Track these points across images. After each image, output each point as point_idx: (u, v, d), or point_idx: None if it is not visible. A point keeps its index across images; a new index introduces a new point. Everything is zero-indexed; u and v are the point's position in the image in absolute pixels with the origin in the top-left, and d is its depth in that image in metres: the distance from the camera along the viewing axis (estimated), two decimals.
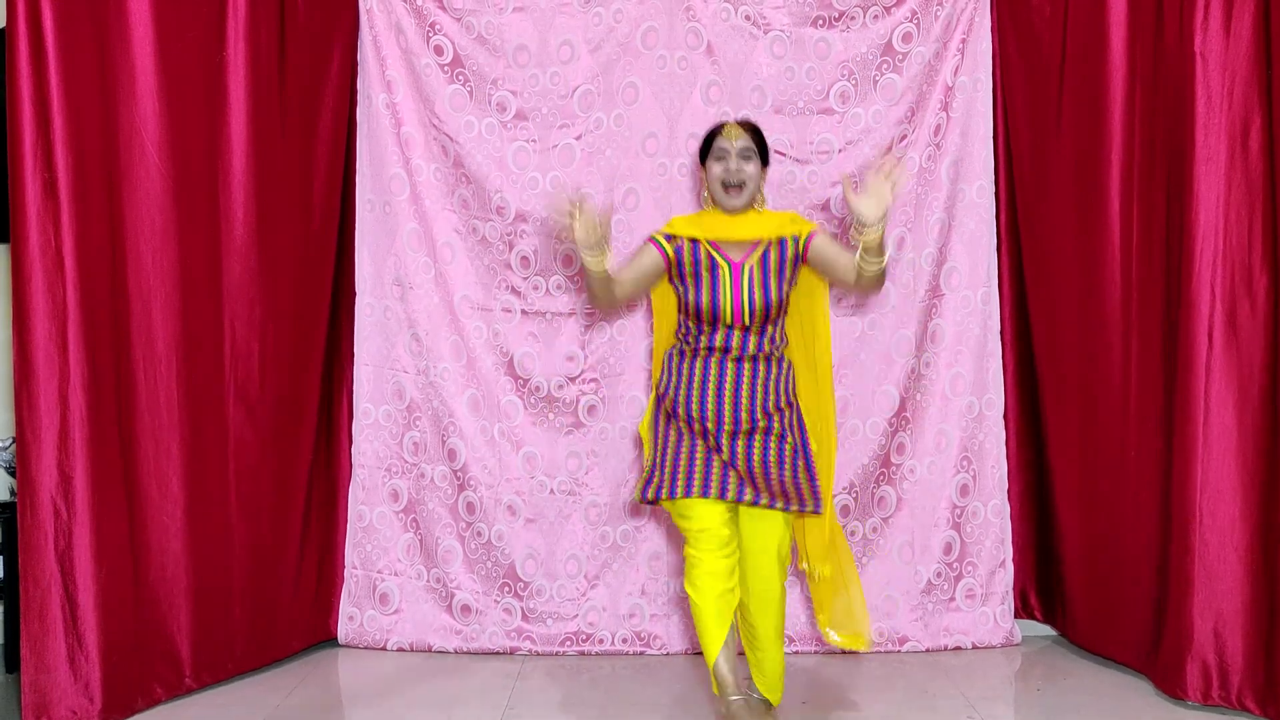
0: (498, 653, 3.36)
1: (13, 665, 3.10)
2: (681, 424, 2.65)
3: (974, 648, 3.36)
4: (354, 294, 3.46)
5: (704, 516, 2.59)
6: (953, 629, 3.37)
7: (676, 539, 3.36)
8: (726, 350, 2.65)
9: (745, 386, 2.64)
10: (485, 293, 3.41)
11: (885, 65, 3.38)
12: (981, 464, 3.39)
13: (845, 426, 3.38)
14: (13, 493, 3.22)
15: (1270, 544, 2.69)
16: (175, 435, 2.89)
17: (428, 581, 3.43)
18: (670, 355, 2.73)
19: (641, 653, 3.36)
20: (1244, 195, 2.72)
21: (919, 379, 3.40)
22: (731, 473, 2.60)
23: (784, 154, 3.37)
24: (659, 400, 2.71)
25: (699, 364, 2.66)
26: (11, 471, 3.24)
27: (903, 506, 3.40)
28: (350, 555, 3.45)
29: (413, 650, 3.39)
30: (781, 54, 3.37)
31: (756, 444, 2.61)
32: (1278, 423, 2.68)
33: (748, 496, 2.59)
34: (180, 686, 2.94)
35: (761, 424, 2.62)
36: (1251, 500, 2.73)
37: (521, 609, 3.38)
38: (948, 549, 3.38)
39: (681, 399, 2.65)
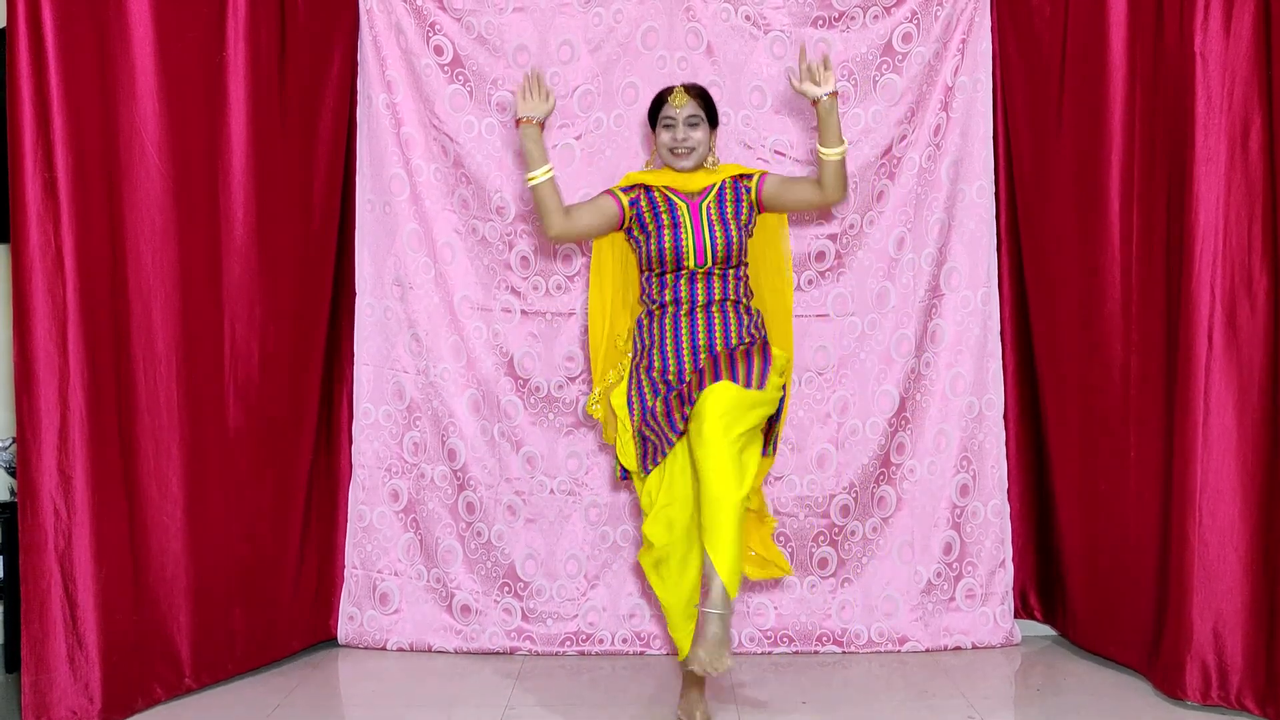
0: (498, 653, 3.36)
1: (12, 665, 3.10)
2: (651, 384, 2.75)
3: (974, 648, 3.36)
4: (354, 294, 3.46)
5: (669, 499, 2.70)
6: (953, 629, 3.37)
7: None
8: (692, 300, 2.76)
9: (715, 331, 2.76)
10: (485, 293, 3.41)
11: (885, 65, 3.38)
12: (981, 464, 3.39)
13: (845, 426, 3.39)
14: (13, 493, 3.22)
15: (1270, 544, 2.69)
16: (175, 435, 2.89)
17: (428, 581, 3.43)
18: (639, 321, 2.85)
19: (642, 653, 3.36)
20: (1244, 196, 2.72)
21: (919, 379, 3.40)
22: (684, 403, 2.67)
23: (784, 154, 3.37)
24: (633, 370, 2.82)
25: (668, 320, 2.78)
26: (11, 471, 3.24)
27: (902, 506, 3.40)
28: (350, 555, 3.45)
29: (413, 650, 3.39)
30: (781, 54, 3.37)
31: (723, 364, 2.69)
32: (1277, 423, 2.68)
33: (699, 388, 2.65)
34: (180, 686, 2.94)
35: (723, 354, 2.73)
36: (1251, 501, 2.73)
37: (521, 609, 3.38)
38: (948, 549, 3.38)
39: (655, 356, 2.78)
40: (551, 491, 3.39)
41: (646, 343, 2.82)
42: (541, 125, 2.85)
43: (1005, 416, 3.43)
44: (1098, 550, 3.20)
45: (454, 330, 3.41)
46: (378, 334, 3.44)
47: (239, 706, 2.91)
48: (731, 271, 2.79)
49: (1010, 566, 3.41)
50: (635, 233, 2.83)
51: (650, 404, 2.75)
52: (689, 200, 2.80)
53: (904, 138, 3.38)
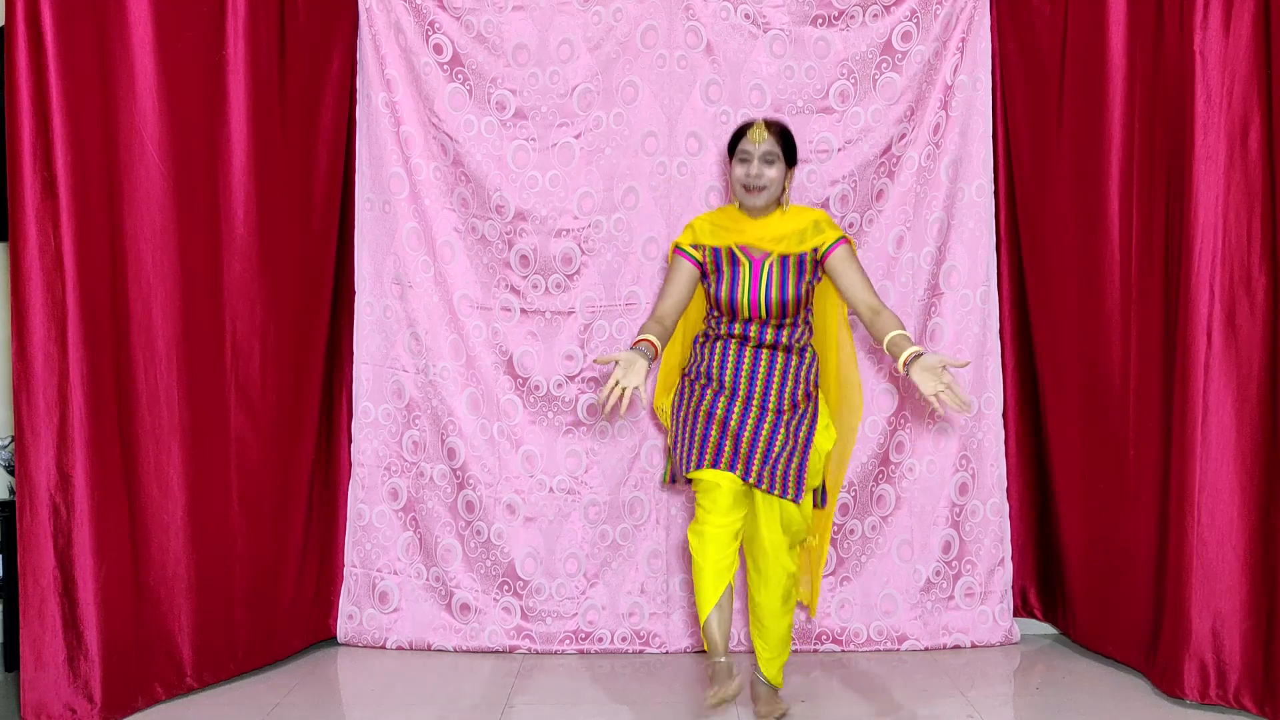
0: (497, 651, 3.36)
1: (12, 664, 3.10)
2: (702, 394, 2.73)
3: (973, 646, 3.37)
4: (354, 293, 3.46)
5: (716, 479, 2.65)
6: (952, 627, 3.38)
7: (676, 537, 3.37)
8: (746, 338, 2.74)
9: (764, 370, 2.73)
10: (484, 291, 3.41)
11: (885, 64, 3.38)
12: (981, 463, 3.39)
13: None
14: (12, 491, 3.22)
15: (1268, 543, 2.69)
16: (175, 434, 2.89)
17: (427, 580, 3.43)
18: (697, 338, 2.85)
19: (641, 651, 3.36)
20: (1243, 195, 2.72)
21: None
22: (740, 449, 2.66)
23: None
24: (684, 376, 2.83)
25: (720, 345, 2.76)
26: (11, 470, 3.24)
27: (902, 505, 3.40)
28: (350, 554, 3.45)
29: (412, 649, 3.39)
30: (781, 53, 3.37)
31: (767, 424, 2.68)
32: (1276, 422, 2.68)
33: (743, 473, 2.65)
34: (181, 686, 2.94)
35: (772, 408, 2.69)
36: (1250, 500, 2.74)
37: (521, 608, 3.38)
38: (947, 547, 3.39)
39: (704, 369, 2.76)
40: (551, 490, 3.39)
41: (700, 358, 2.79)
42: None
43: (1004, 415, 3.44)
44: (1097, 549, 3.21)
45: (453, 329, 3.41)
46: (377, 333, 3.44)
47: (239, 705, 2.91)
48: (788, 321, 2.74)
49: (1009, 565, 3.41)
50: (705, 278, 2.80)
51: (696, 407, 2.72)
52: (754, 259, 2.73)
53: (903, 136, 3.38)
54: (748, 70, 3.37)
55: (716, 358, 2.75)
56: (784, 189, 2.76)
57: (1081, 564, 3.26)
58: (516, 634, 3.37)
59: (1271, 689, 2.68)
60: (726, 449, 2.66)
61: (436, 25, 3.39)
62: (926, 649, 3.36)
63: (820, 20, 3.38)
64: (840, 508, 3.38)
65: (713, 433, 2.68)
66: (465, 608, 3.39)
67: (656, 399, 2.98)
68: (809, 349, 2.79)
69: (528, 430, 3.40)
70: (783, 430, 2.68)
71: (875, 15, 3.37)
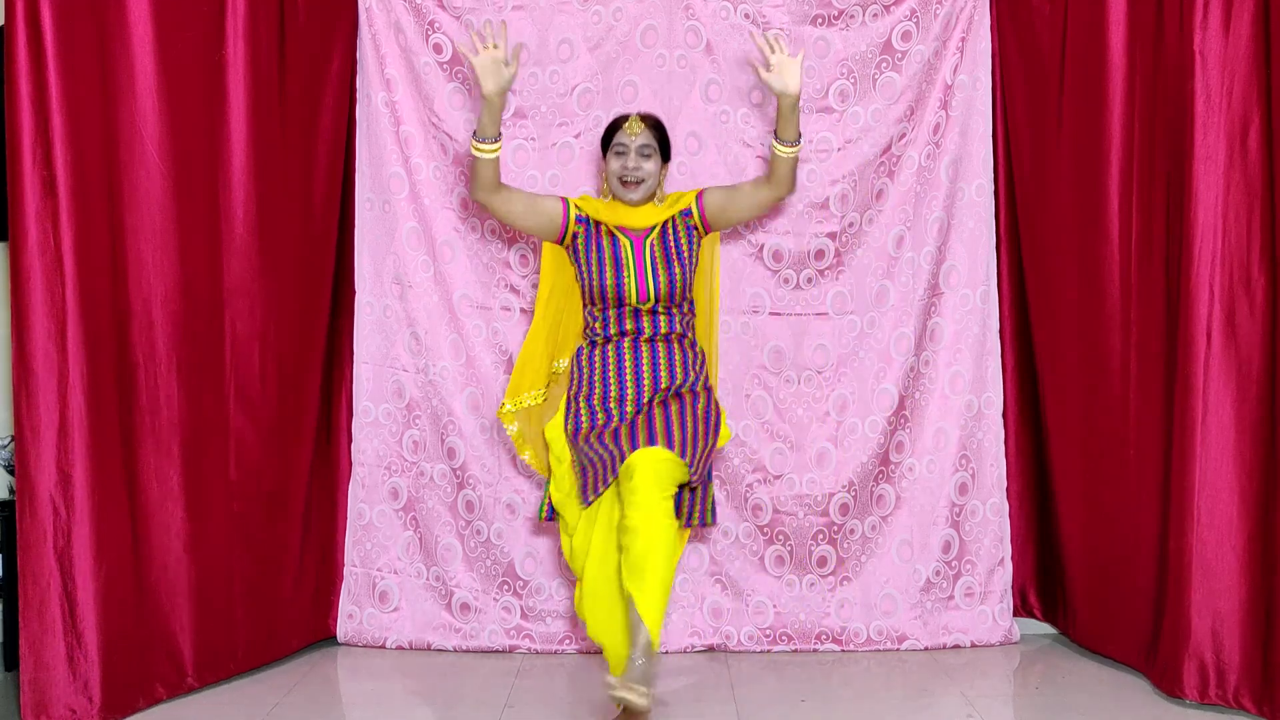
0: (497, 651, 3.36)
1: (12, 664, 3.10)
2: (590, 412, 2.71)
3: (973, 646, 3.37)
4: (353, 292, 3.46)
5: (583, 533, 2.71)
6: (951, 627, 3.38)
7: None
8: (637, 332, 2.72)
9: (660, 366, 2.72)
10: (484, 291, 3.41)
11: (884, 64, 3.38)
12: (980, 462, 3.40)
13: (844, 425, 3.39)
14: (12, 491, 3.22)
15: (1268, 543, 2.69)
16: (175, 434, 2.88)
17: (427, 580, 3.43)
18: (579, 352, 2.83)
19: None
20: (1243, 195, 2.72)
21: (918, 377, 3.40)
22: (623, 441, 2.62)
23: None
24: (570, 400, 2.78)
25: (610, 349, 2.74)
26: (11, 470, 3.24)
27: (901, 505, 3.40)
28: (350, 553, 3.45)
29: (412, 649, 3.39)
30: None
31: (658, 408, 2.67)
32: (1276, 422, 2.68)
33: (627, 450, 2.61)
34: (182, 685, 2.94)
35: (669, 397, 2.70)
36: (1249, 499, 2.74)
37: (521, 607, 3.38)
38: (946, 547, 3.39)
39: (597, 383, 2.74)
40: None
41: (586, 371, 2.78)
42: (503, 97, 2.72)
43: (1004, 415, 3.44)
44: (1097, 549, 3.21)
45: (453, 328, 3.41)
46: (377, 332, 3.44)
47: (239, 705, 2.91)
48: (676, 308, 2.76)
49: (1009, 565, 3.41)
50: (576, 259, 2.81)
51: (590, 430, 2.70)
52: (633, 237, 2.77)
53: (903, 136, 3.38)
54: (747, 70, 3.36)
55: (610, 364, 2.71)
56: (660, 183, 2.82)
57: (1081, 564, 3.27)
58: (516, 634, 3.38)
59: (1271, 689, 2.68)
60: (609, 462, 2.61)
61: (436, 25, 3.39)
62: (926, 649, 3.36)
63: (820, 20, 3.38)
64: (840, 508, 3.38)
65: (614, 453, 2.62)
66: (465, 607, 3.39)
67: (546, 431, 2.83)
68: (698, 344, 2.82)
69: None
70: (677, 409, 2.66)
71: (875, 15, 3.37)
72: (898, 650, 3.36)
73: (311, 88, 3.27)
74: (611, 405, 2.73)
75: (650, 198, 2.82)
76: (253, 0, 3.04)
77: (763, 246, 3.38)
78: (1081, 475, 3.24)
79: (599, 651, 3.33)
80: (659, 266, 2.71)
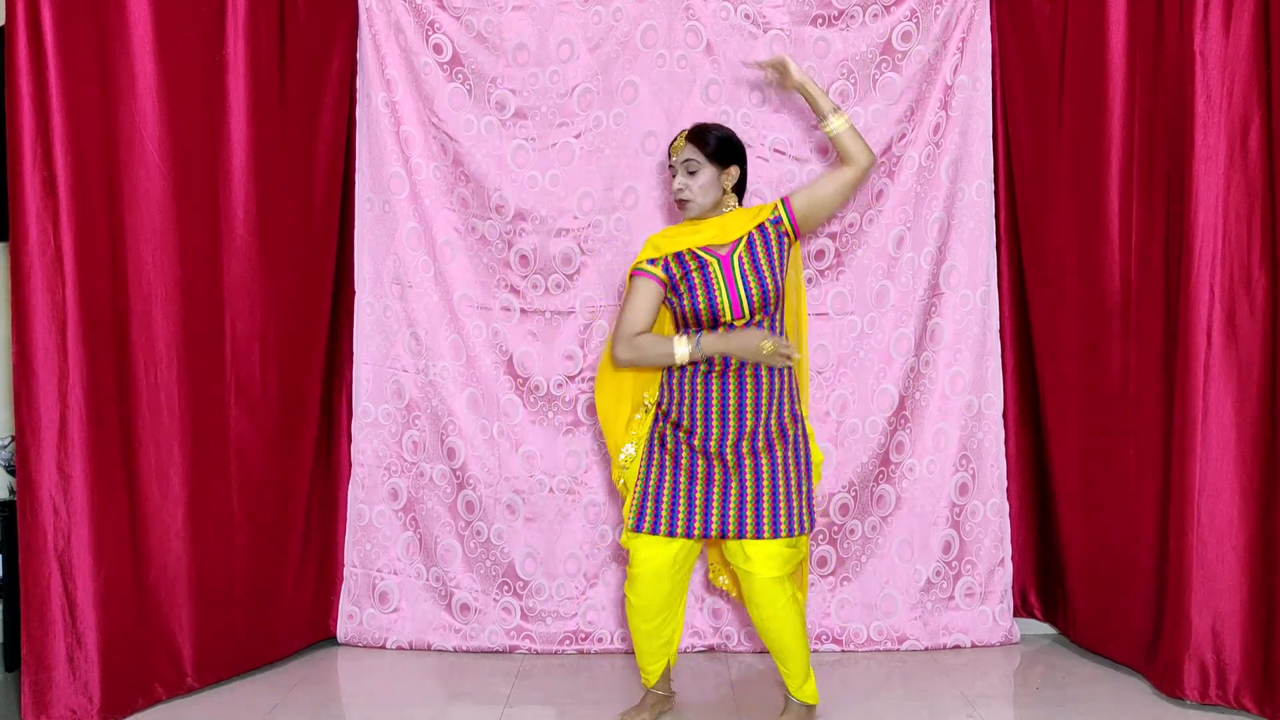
0: (497, 651, 3.36)
1: (12, 664, 3.10)
2: (675, 442, 2.65)
3: (973, 646, 3.37)
4: (354, 292, 3.46)
5: (657, 550, 2.63)
6: (952, 628, 3.38)
7: None
8: (725, 363, 2.63)
9: (746, 401, 2.64)
10: (484, 291, 3.41)
11: (885, 64, 3.38)
12: (981, 463, 3.40)
13: (844, 425, 3.39)
14: (12, 491, 3.22)
15: (1268, 543, 2.69)
16: (176, 434, 2.89)
17: (427, 580, 3.43)
18: (670, 373, 2.70)
19: None
20: (1243, 195, 2.73)
21: (918, 377, 3.40)
22: (716, 504, 2.61)
23: (784, 152, 3.37)
24: (657, 419, 2.71)
25: (700, 380, 2.65)
26: (11, 470, 3.24)
27: (902, 505, 3.40)
28: (350, 554, 3.45)
29: (412, 649, 3.39)
30: (781, 53, 3.36)
31: (748, 459, 2.62)
32: (1276, 422, 2.68)
33: (731, 529, 2.60)
34: (181, 686, 2.94)
35: (762, 441, 2.62)
36: (1250, 500, 2.74)
37: (521, 608, 3.38)
38: (947, 547, 3.39)
39: (685, 414, 2.65)
40: (551, 490, 3.39)
41: (675, 396, 2.67)
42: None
43: (1004, 415, 3.44)
44: (1097, 549, 3.21)
45: (453, 329, 3.41)
46: (377, 333, 3.44)
47: (239, 705, 2.91)
48: (768, 320, 2.65)
49: (1009, 565, 3.41)
50: (670, 296, 2.69)
51: (670, 460, 2.63)
52: (720, 255, 2.65)
53: (903, 136, 3.38)
54: (748, 70, 3.37)
55: (699, 395, 2.62)
56: (723, 190, 2.72)
57: (1081, 564, 3.27)
58: (516, 634, 3.37)
59: (1271, 689, 2.68)
60: (697, 515, 2.60)
61: (436, 25, 3.39)
62: (926, 649, 3.36)
63: (820, 20, 3.38)
64: (840, 508, 3.38)
65: (696, 506, 2.61)
66: (465, 608, 3.39)
67: (619, 452, 2.79)
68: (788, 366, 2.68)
69: (528, 430, 3.40)
70: (779, 470, 2.61)
71: (875, 15, 3.37)
72: (898, 650, 3.36)
73: (311, 88, 3.27)
74: (696, 443, 2.63)
75: (712, 209, 2.71)
76: (253, 0, 3.04)
77: None
78: (1081, 475, 3.24)
79: (600, 652, 3.34)
80: (749, 278, 2.62)
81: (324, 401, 3.41)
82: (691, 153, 2.69)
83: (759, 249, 2.65)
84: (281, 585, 3.25)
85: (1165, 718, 2.78)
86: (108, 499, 2.71)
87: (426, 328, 3.41)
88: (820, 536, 3.39)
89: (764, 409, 2.64)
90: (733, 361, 2.62)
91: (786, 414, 2.66)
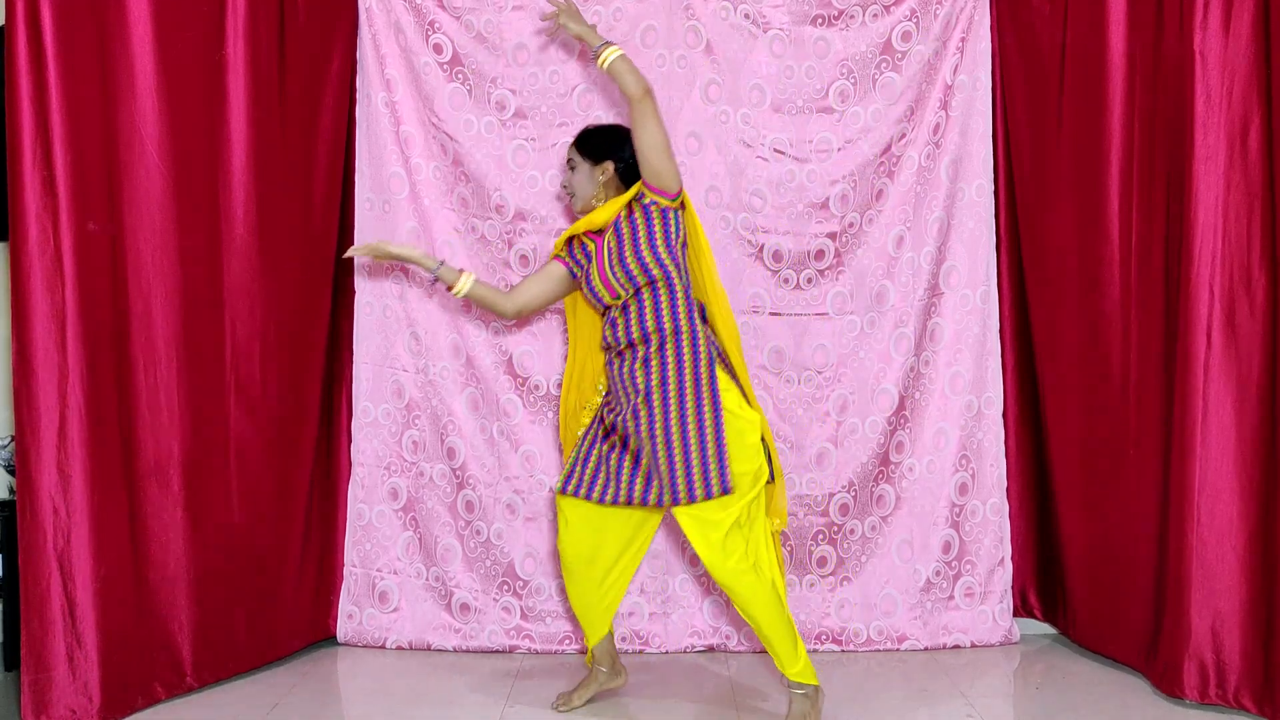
0: (497, 651, 3.36)
1: (12, 664, 3.10)
2: (602, 419, 2.79)
3: (973, 646, 3.37)
4: (353, 292, 3.46)
5: (573, 520, 2.76)
6: (952, 627, 3.38)
7: (675, 538, 3.37)
8: (612, 344, 2.73)
9: (641, 382, 2.66)
10: None
11: (884, 64, 3.38)
12: (980, 462, 3.40)
13: (844, 425, 3.39)
14: (12, 491, 3.22)
15: (1268, 543, 2.69)
16: (175, 434, 2.88)
17: (427, 580, 3.43)
18: (606, 359, 2.81)
19: (640, 651, 3.36)
20: (1243, 194, 2.72)
21: (918, 377, 3.40)
22: (626, 474, 2.67)
23: (783, 152, 3.37)
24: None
25: (613, 364, 2.75)
26: (11, 470, 3.24)
27: (901, 505, 3.40)
28: (349, 554, 3.45)
29: (412, 649, 3.39)
30: (781, 53, 3.37)
31: (660, 436, 2.62)
32: (1276, 422, 2.68)
33: (636, 497, 2.65)
34: (181, 685, 2.94)
35: (659, 417, 2.62)
36: (1250, 500, 2.74)
37: (520, 607, 3.38)
38: (946, 547, 3.39)
39: (610, 391, 2.78)
40: (551, 490, 3.39)
41: (606, 380, 2.82)
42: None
43: (1004, 415, 3.44)
44: (1097, 549, 3.21)
45: (453, 329, 3.41)
46: (377, 332, 3.44)
47: (239, 705, 2.91)
48: (634, 303, 2.65)
49: (1009, 565, 3.41)
50: (577, 275, 2.82)
51: (601, 438, 2.74)
52: (596, 238, 2.77)
53: (903, 136, 3.38)
54: (747, 70, 3.37)
55: (609, 374, 2.75)
56: (599, 184, 2.78)
57: (1081, 564, 3.27)
58: (516, 634, 3.37)
59: (1271, 689, 2.68)
60: (610, 483, 2.68)
61: (436, 25, 3.39)
62: (926, 649, 3.36)
63: (820, 20, 3.38)
64: (840, 508, 3.38)
65: (592, 459, 2.72)
66: (465, 607, 3.39)
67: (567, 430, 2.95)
68: (681, 348, 2.64)
69: (527, 430, 3.40)
70: (675, 431, 2.59)
71: (875, 15, 3.37)
72: (898, 650, 3.36)
73: (311, 88, 3.27)
74: (614, 419, 2.73)
75: (595, 201, 2.79)
76: (253, 0, 3.04)
77: (763, 246, 3.39)
78: (1081, 475, 3.24)
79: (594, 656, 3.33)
80: (613, 260, 2.69)
81: (324, 401, 3.41)
82: (571, 152, 2.83)
83: (624, 231, 2.69)
84: (281, 585, 3.25)
85: (1165, 718, 2.78)
86: (107, 499, 2.71)
87: (426, 327, 3.41)
88: (820, 536, 3.39)
89: (658, 390, 2.63)
90: (639, 349, 2.66)
91: (689, 394, 2.62)
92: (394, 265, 3.41)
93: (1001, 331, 3.45)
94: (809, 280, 3.39)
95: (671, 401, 2.62)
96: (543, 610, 3.37)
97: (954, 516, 3.39)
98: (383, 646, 3.40)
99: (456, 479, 3.41)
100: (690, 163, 3.36)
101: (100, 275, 2.70)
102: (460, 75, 3.39)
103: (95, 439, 2.67)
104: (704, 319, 2.73)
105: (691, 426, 2.59)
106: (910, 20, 3.37)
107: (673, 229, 2.67)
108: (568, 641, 3.36)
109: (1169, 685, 2.85)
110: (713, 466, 2.57)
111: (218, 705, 2.91)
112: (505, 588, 3.39)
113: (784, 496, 2.80)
